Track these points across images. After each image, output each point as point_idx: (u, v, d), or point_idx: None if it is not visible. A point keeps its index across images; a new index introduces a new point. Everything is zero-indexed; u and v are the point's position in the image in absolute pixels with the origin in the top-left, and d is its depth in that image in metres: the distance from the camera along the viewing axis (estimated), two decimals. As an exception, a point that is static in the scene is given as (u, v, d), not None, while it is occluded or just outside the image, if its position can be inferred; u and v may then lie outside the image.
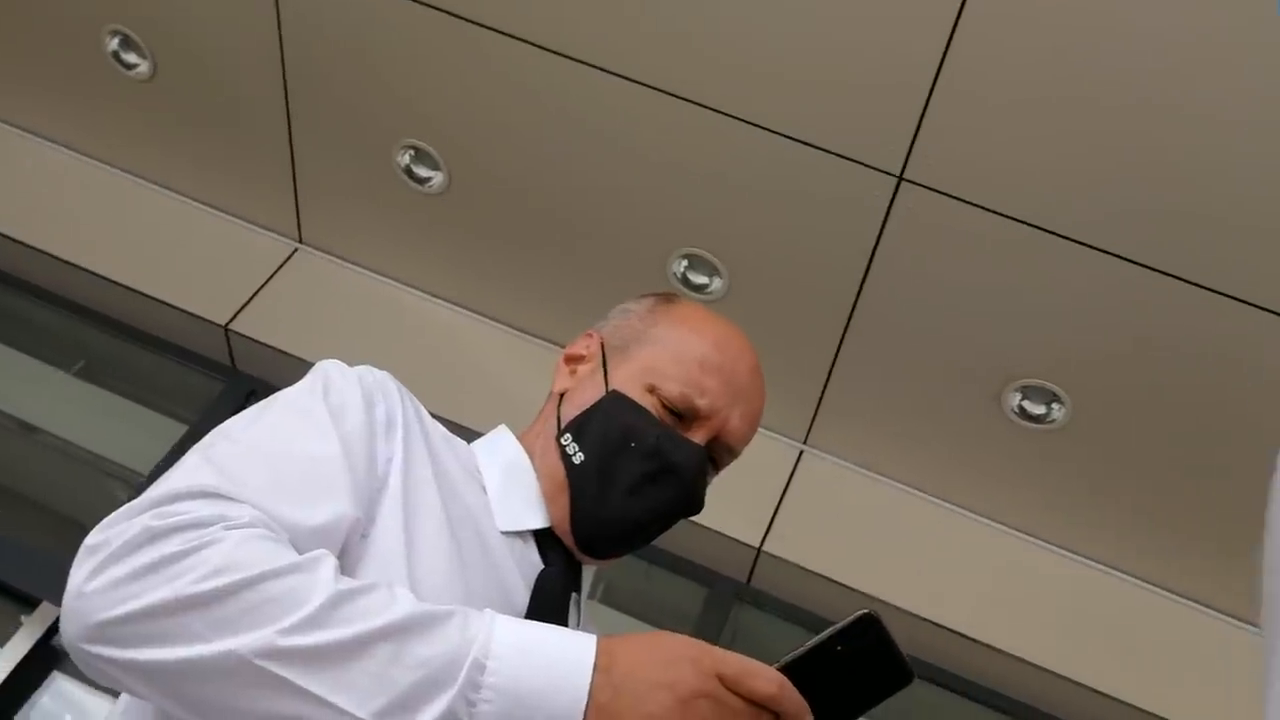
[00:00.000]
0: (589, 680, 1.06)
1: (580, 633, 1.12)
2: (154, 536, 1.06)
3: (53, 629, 3.05)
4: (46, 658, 3.07)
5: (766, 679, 1.07)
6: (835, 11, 2.66)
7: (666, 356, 1.45)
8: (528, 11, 2.95)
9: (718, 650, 1.10)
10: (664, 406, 1.42)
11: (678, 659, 1.08)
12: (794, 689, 1.08)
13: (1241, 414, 2.92)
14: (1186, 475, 3.10)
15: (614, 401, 1.43)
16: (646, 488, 1.40)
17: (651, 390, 1.42)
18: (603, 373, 1.47)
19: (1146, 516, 3.25)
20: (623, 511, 1.40)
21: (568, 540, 1.41)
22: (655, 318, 1.52)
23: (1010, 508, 3.42)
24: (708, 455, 1.44)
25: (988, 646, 3.27)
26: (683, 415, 1.42)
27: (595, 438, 1.41)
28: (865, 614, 1.10)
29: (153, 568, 1.04)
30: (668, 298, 1.57)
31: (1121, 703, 3.20)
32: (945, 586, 3.33)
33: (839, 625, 1.10)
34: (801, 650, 1.10)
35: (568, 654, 1.08)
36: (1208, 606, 3.35)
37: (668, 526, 1.45)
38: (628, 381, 1.44)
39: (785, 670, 1.10)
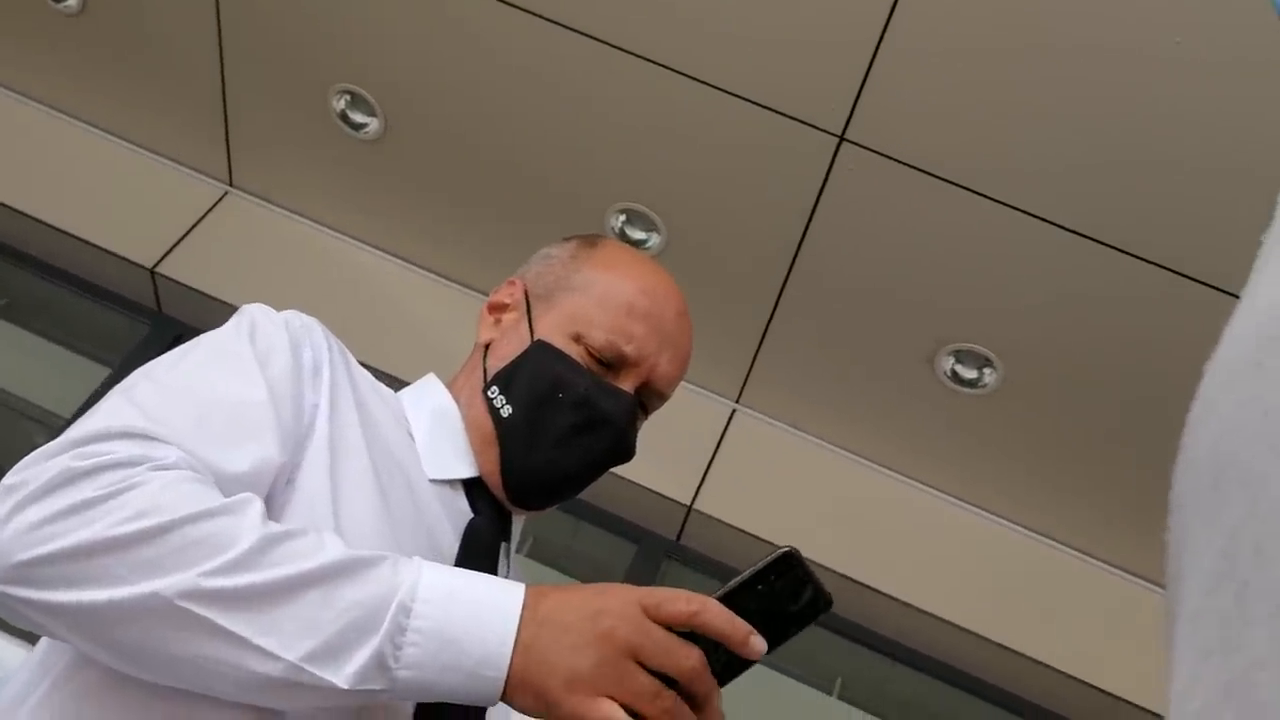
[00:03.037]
0: (516, 624, 1.05)
1: (509, 581, 1.10)
2: (75, 477, 1.03)
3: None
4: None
5: (686, 599, 1.06)
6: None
7: (591, 303, 1.41)
8: (469, -44, 2.91)
9: (641, 587, 1.09)
10: (591, 355, 1.39)
11: (599, 594, 1.07)
12: (718, 605, 1.06)
13: (1171, 383, 2.95)
14: (1114, 442, 3.13)
15: (540, 351, 1.40)
16: (577, 438, 1.37)
17: (577, 339, 1.39)
18: (527, 322, 1.44)
19: (1074, 483, 3.28)
20: (554, 463, 1.37)
21: (498, 492, 1.39)
22: (578, 263, 1.48)
23: (940, 471, 3.45)
24: (638, 401, 1.41)
25: (912, 607, 3.29)
26: (610, 363, 1.39)
27: (522, 390, 1.38)
28: (786, 552, 1.09)
29: (74, 509, 1.02)
30: (590, 240, 1.53)
31: (1044, 665, 3.24)
32: (874, 547, 3.35)
33: (761, 564, 1.09)
34: (723, 590, 1.09)
35: (495, 599, 1.06)
36: (1133, 573, 3.39)
37: (599, 475, 1.43)
38: (553, 330, 1.41)
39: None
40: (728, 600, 1.08)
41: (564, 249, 1.52)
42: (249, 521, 1.05)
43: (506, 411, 1.38)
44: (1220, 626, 0.47)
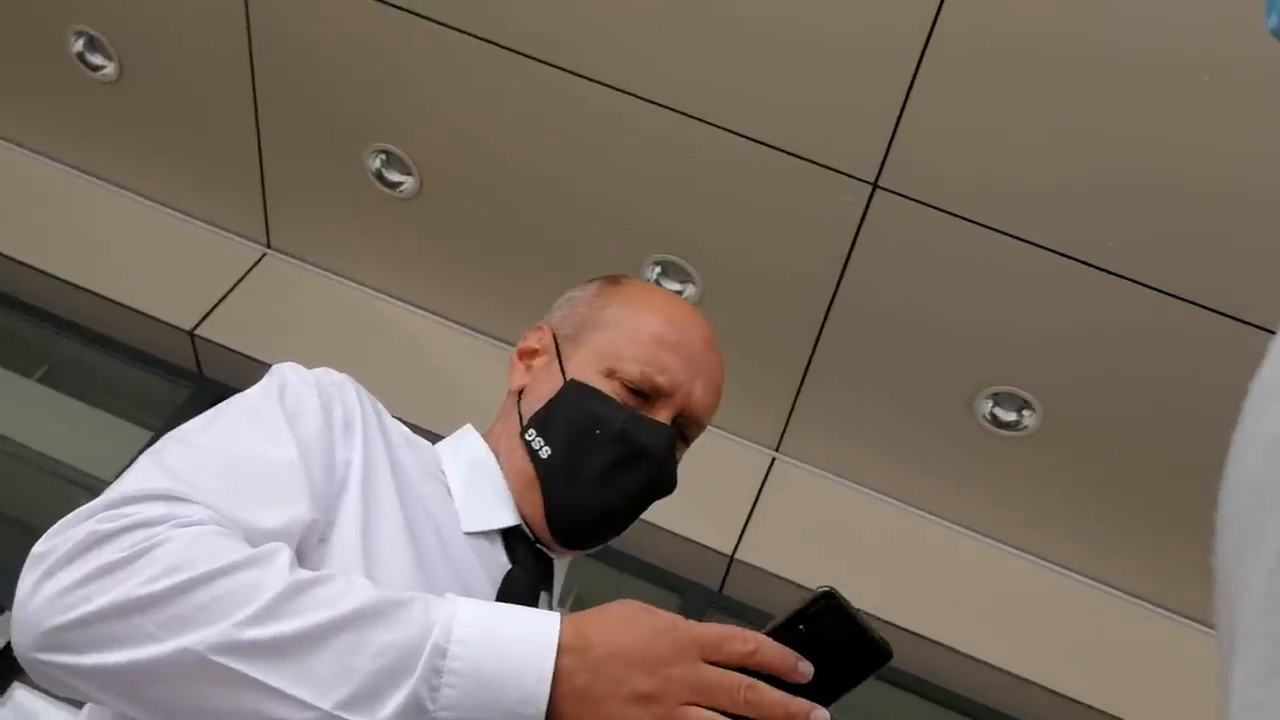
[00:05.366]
0: (553, 659, 1.04)
1: (544, 611, 1.09)
2: (100, 540, 1.04)
3: (13, 639, 2.99)
4: (6, 668, 3.02)
5: (743, 639, 1.05)
6: (811, 18, 2.65)
7: (621, 338, 1.43)
8: (501, 15, 2.93)
9: (690, 622, 1.08)
10: (626, 388, 1.40)
11: (654, 636, 1.06)
12: (770, 640, 1.06)
13: (1212, 422, 2.92)
14: (1156, 483, 3.10)
15: (574, 390, 1.40)
16: (617, 473, 1.38)
17: (611, 374, 1.40)
18: (558, 363, 1.44)
19: (1116, 524, 3.25)
20: (597, 500, 1.38)
21: (544, 534, 1.39)
22: (604, 300, 1.50)
23: (982, 515, 3.42)
24: (676, 432, 1.42)
25: (959, 653, 3.27)
26: (646, 395, 1.40)
27: (559, 429, 1.39)
28: (823, 591, 1.07)
29: (101, 572, 1.02)
30: (613, 279, 1.55)
31: (1090, 708, 3.20)
32: (918, 592, 3.33)
33: (797, 605, 1.08)
34: (764, 630, 1.08)
35: (530, 633, 1.06)
36: (1178, 614, 3.35)
37: (644, 509, 1.44)
38: (585, 368, 1.42)
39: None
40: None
41: (588, 290, 1.55)
42: (276, 571, 1.05)
43: (545, 453, 1.38)
44: (1273, 648, 0.46)
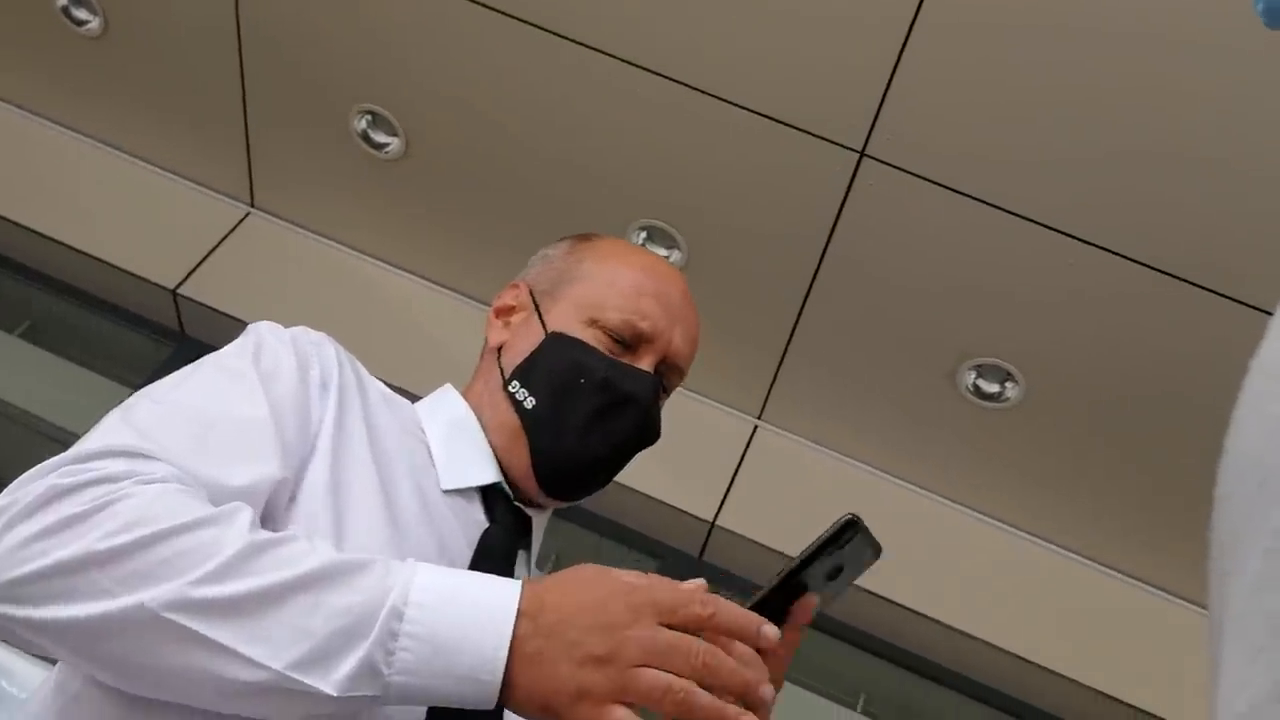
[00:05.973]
0: (511, 627, 1.03)
1: (504, 579, 1.08)
2: (61, 494, 1.04)
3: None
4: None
5: (700, 603, 1.04)
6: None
7: (600, 288, 1.44)
8: (488, -24, 2.92)
9: (646, 584, 1.06)
10: (609, 336, 1.41)
11: (609, 598, 1.05)
12: (729, 604, 1.06)
13: (1194, 395, 2.93)
14: (1138, 455, 3.12)
15: (556, 341, 1.42)
16: (603, 422, 1.39)
17: (592, 323, 1.42)
18: (538, 317, 1.46)
19: (1097, 496, 3.26)
20: (584, 448, 1.39)
21: (529, 487, 1.40)
22: (579, 255, 1.51)
23: (963, 485, 3.43)
24: (659, 379, 1.44)
25: (934, 621, 3.28)
26: (628, 343, 1.42)
27: (543, 379, 1.40)
28: (849, 519, 1.13)
29: (61, 525, 1.02)
30: (585, 236, 1.56)
31: (1068, 679, 3.22)
32: (895, 561, 3.32)
33: (825, 535, 1.12)
34: (791, 565, 1.12)
35: (489, 600, 1.04)
36: (1158, 587, 3.37)
37: (630, 457, 1.45)
38: (566, 319, 1.43)
39: (773, 593, 1.12)
40: (793, 576, 1.12)
41: (560, 247, 1.56)
42: (236, 530, 1.04)
43: (530, 403, 1.39)
44: (1267, 626, 0.46)
